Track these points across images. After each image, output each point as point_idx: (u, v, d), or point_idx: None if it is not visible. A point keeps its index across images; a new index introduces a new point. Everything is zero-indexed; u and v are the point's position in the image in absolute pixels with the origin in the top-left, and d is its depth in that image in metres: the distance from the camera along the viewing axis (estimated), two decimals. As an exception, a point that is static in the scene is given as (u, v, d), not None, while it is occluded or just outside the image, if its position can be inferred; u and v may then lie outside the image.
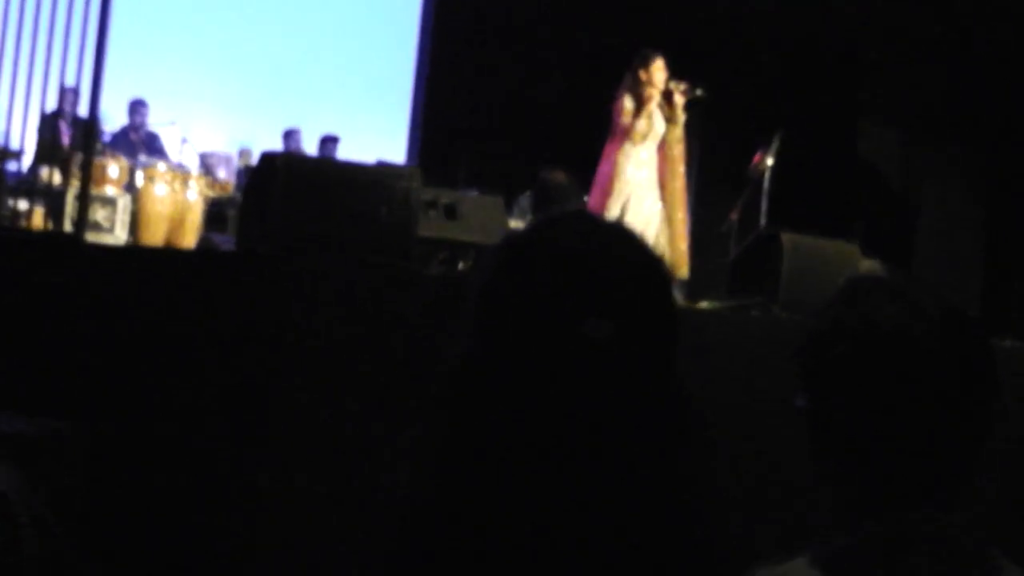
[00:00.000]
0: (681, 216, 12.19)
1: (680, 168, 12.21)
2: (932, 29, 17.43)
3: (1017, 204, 18.40)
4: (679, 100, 11.94)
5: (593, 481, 2.04)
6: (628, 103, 11.52)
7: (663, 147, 12.03)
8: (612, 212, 11.44)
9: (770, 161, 12.56)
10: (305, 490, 6.92)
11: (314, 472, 6.98)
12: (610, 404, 2.05)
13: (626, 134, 11.64)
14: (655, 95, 11.60)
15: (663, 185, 11.92)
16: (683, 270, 11.52)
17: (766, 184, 12.61)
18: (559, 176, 12.31)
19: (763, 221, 12.35)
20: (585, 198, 11.92)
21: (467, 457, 2.12)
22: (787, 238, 9.90)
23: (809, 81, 16.53)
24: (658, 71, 11.74)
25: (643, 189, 11.76)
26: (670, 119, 11.96)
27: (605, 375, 2.04)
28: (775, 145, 12.53)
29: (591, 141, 12.55)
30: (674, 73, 12.20)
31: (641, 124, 11.58)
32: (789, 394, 2.43)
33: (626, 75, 11.78)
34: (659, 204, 11.83)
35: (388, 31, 17.47)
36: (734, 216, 12.66)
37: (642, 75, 11.59)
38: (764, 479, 4.92)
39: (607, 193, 11.71)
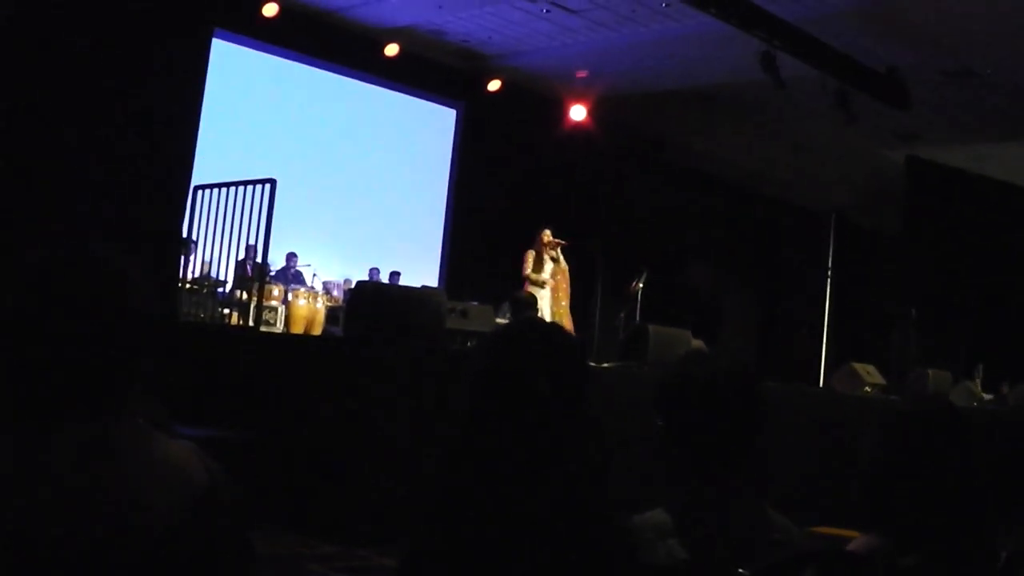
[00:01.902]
0: (567, 317, 13.88)
1: (563, 289, 14.00)
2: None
3: (778, 310, 20.69)
4: (559, 254, 13.83)
5: (541, 473, 2.30)
6: (531, 254, 13.55)
7: (555, 286, 13.84)
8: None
9: (640, 285, 13.73)
10: (376, 464, 7.95)
11: (387, 470, 7.86)
12: (551, 427, 2.35)
13: (535, 269, 13.52)
14: (548, 248, 13.50)
15: (555, 300, 13.68)
16: None
17: (639, 298, 13.67)
18: (522, 294, 13.10)
19: (638, 318, 13.27)
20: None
21: (470, 462, 2.37)
22: (652, 328, 11.03)
23: (658, 241, 17.90)
24: (547, 235, 13.68)
25: (545, 302, 13.43)
26: (556, 261, 13.88)
27: (547, 412, 2.35)
28: (643, 277, 13.76)
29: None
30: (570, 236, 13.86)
31: (544, 262, 13.54)
32: (651, 417, 2.81)
33: (533, 239, 13.72)
34: (561, 308, 13.56)
35: (429, 211, 17.94)
36: (621, 316, 13.66)
37: (542, 238, 13.57)
38: (635, 466, 4.41)
39: None
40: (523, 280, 13.80)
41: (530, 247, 14.02)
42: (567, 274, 14.11)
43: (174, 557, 1.85)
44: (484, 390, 2.44)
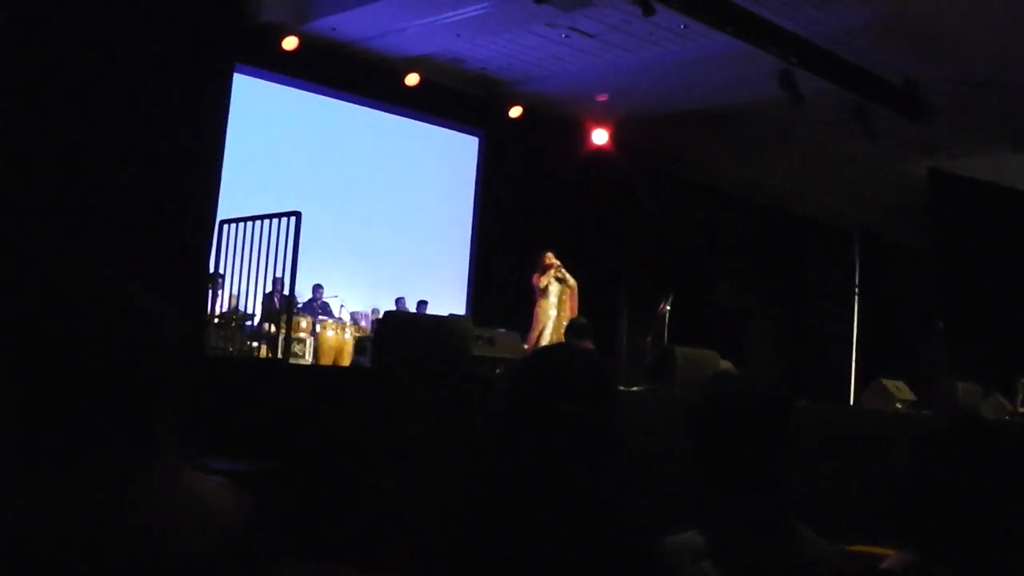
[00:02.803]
0: (555, 339, 13.78)
1: (569, 308, 14.25)
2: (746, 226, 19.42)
3: (806, 328, 20.64)
4: (564, 273, 14.13)
5: (570, 491, 2.33)
6: (537, 276, 13.85)
7: (563, 300, 14.11)
8: (539, 340, 13.44)
9: (667, 307, 13.43)
10: (406, 492, 7.76)
11: (416, 498, 7.65)
12: (578, 448, 2.37)
13: (541, 293, 13.82)
14: (549, 270, 13.79)
15: (559, 321, 13.81)
16: None
17: (666, 320, 13.36)
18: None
19: (666, 340, 13.01)
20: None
21: (498, 485, 2.40)
22: (679, 350, 10.93)
23: (684, 261, 17.82)
24: (550, 258, 14.00)
25: (551, 324, 13.67)
26: (562, 281, 14.14)
27: (575, 434, 2.37)
28: (670, 298, 13.47)
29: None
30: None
31: (542, 286, 13.80)
32: (680, 439, 2.80)
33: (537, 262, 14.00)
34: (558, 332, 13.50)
35: (454, 239, 18.11)
36: (648, 340, 13.40)
37: (545, 260, 13.85)
38: (664, 487, 4.46)
39: (533, 329, 13.60)
40: (535, 303, 14.06)
41: (534, 272, 14.34)
42: (575, 292, 14.38)
43: None
44: (510, 414, 2.46)
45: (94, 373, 1.84)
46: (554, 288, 14.01)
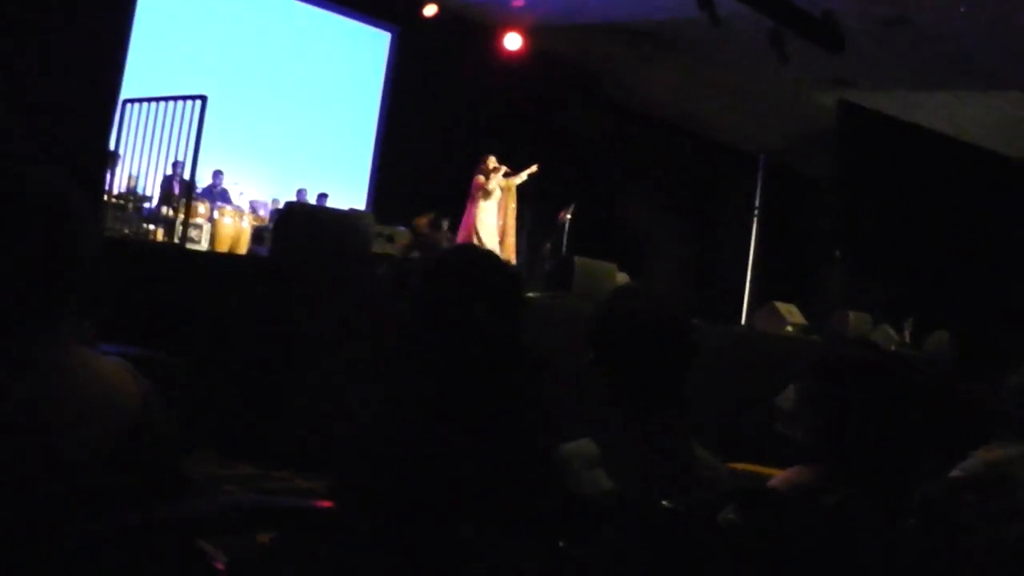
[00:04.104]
0: (511, 241, 13.81)
1: (512, 213, 14.00)
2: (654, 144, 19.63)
3: (706, 249, 20.87)
4: (509, 177, 13.82)
5: (480, 400, 2.32)
6: (481, 178, 13.28)
7: (501, 203, 13.76)
8: (472, 241, 12.73)
9: (568, 216, 13.79)
10: (305, 405, 7.99)
11: (310, 394, 7.99)
12: (487, 350, 2.38)
13: (483, 195, 13.34)
14: (493, 173, 13.41)
15: (502, 225, 13.52)
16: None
17: (566, 228, 13.72)
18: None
19: (564, 249, 13.32)
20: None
21: (409, 382, 2.38)
22: (577, 259, 11.19)
23: (590, 174, 18.07)
24: (493, 162, 13.56)
25: (490, 228, 13.25)
26: (504, 188, 13.81)
27: (484, 335, 2.38)
28: (571, 208, 13.85)
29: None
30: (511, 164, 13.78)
31: (489, 188, 13.34)
32: (579, 348, 2.82)
33: (477, 165, 13.55)
34: (497, 236, 13.29)
35: (359, 134, 17.92)
36: (548, 246, 13.76)
37: (487, 164, 13.42)
38: (565, 396, 4.09)
39: (469, 231, 13.14)
40: (472, 205, 13.81)
41: (475, 174, 14.11)
42: (515, 194, 14.25)
43: (108, 477, 1.83)
44: (422, 316, 2.45)
45: (2, 251, 1.82)
46: (497, 193, 13.87)
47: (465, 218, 13.59)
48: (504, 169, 13.42)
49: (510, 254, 13.81)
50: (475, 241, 12.94)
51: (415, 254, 11.50)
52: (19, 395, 1.78)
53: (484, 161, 13.66)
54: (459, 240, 12.98)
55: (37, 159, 1.99)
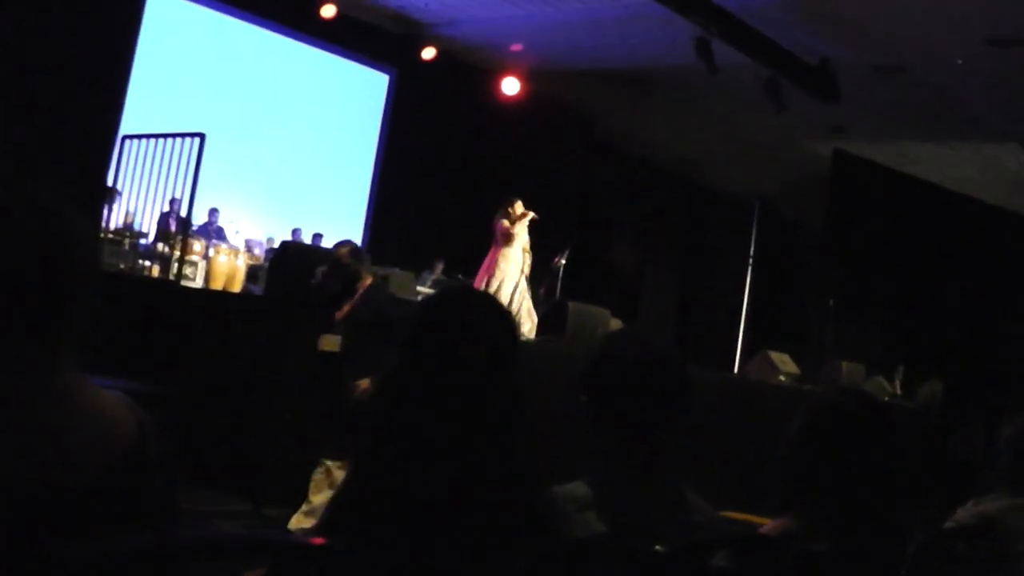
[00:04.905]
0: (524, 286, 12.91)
1: (528, 263, 12.98)
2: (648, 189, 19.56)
3: (698, 294, 20.77)
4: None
5: (471, 441, 2.29)
6: (505, 223, 12.56)
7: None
8: (491, 288, 12.23)
9: (563, 261, 13.50)
10: (295, 443, 7.95)
11: (301, 433, 7.92)
12: (481, 395, 2.34)
13: (505, 240, 12.56)
14: (520, 219, 12.65)
15: (524, 272, 12.77)
16: (535, 318, 12.10)
17: (560, 274, 13.51)
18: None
19: (558, 294, 13.21)
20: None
21: (397, 428, 2.33)
22: (571, 304, 11.14)
23: (584, 218, 18.04)
24: (520, 207, 12.71)
25: (510, 275, 12.61)
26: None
27: (476, 378, 2.34)
28: (566, 253, 13.52)
29: (473, 244, 13.66)
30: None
31: (514, 234, 12.59)
32: (574, 392, 2.80)
33: (500, 209, 12.76)
34: (524, 283, 12.67)
35: (355, 175, 17.99)
36: (542, 290, 13.31)
37: (512, 208, 12.70)
38: (559, 439, 4.00)
39: (490, 276, 12.56)
40: (496, 251, 13.19)
41: (497, 217, 13.42)
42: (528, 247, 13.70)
43: (101, 510, 1.82)
44: (415, 356, 2.41)
45: (5, 280, 1.82)
46: (519, 240, 13.19)
47: (487, 262, 13.08)
48: (531, 215, 12.90)
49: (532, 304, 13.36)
50: (493, 286, 12.62)
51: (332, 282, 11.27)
52: (15, 420, 1.78)
53: (511, 205, 13.12)
54: (476, 284, 12.52)
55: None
